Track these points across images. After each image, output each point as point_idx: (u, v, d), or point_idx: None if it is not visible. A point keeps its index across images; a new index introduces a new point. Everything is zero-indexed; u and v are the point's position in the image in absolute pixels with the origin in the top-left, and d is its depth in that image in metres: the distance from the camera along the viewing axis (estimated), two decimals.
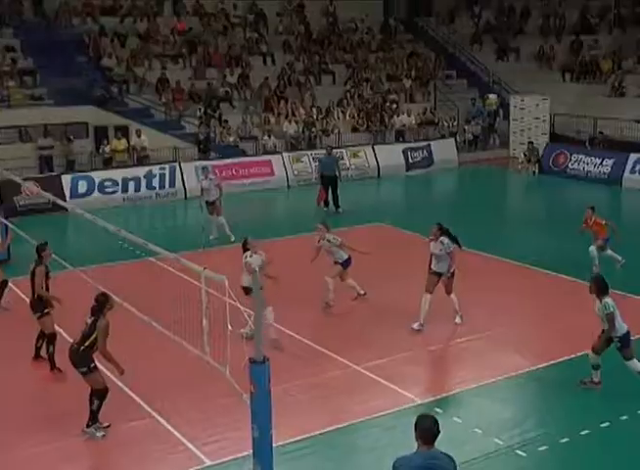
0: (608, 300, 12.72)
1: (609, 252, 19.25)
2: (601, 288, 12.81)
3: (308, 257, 16.80)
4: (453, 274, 15.67)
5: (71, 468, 11.33)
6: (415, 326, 15.55)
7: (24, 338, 14.74)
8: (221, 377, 10.15)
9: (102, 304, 11.91)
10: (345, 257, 16.81)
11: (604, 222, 19.22)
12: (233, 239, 20.98)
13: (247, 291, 13.89)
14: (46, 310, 14.04)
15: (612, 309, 12.63)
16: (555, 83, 39.22)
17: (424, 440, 7.22)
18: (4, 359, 14.73)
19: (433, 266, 15.70)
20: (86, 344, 11.78)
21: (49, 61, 33.02)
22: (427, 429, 7.20)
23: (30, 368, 14.43)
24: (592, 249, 19.05)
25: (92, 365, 11.87)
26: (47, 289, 14.21)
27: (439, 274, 15.55)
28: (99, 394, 11.88)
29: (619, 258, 19.26)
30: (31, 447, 11.70)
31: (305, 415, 12.57)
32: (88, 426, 11.88)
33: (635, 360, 12.85)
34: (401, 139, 35.50)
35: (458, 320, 15.92)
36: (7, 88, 32.08)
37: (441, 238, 15.53)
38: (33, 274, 14.11)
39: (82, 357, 11.83)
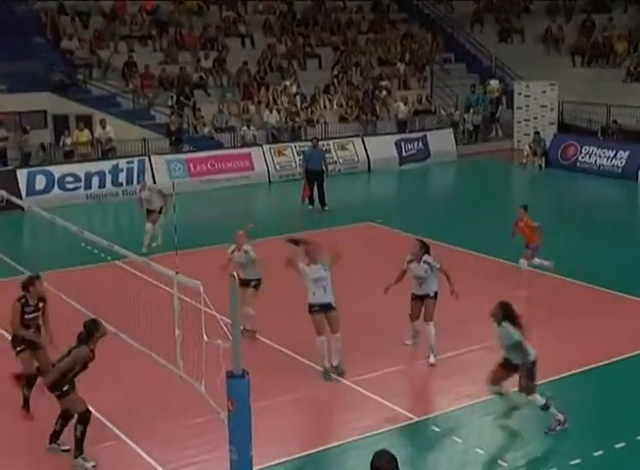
0: (509, 327, 12.03)
1: (536, 260, 18.69)
2: (506, 313, 12.14)
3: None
4: (436, 296, 14.88)
5: None
6: (408, 342, 15.53)
7: None
8: (196, 393, 10.16)
9: (89, 331, 11.56)
10: (258, 276, 15.77)
11: (536, 225, 18.62)
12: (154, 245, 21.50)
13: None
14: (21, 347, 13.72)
15: (517, 337, 11.98)
16: (564, 68, 39.32)
17: None
18: None
19: (415, 291, 14.99)
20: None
21: (1, 42, 32.71)
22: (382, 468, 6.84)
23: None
24: (522, 262, 18.66)
25: (65, 388, 11.60)
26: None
27: (424, 296, 14.84)
28: (81, 418, 11.52)
29: (547, 262, 18.72)
30: None
31: (289, 435, 12.51)
32: (76, 457, 11.57)
33: (537, 395, 12.36)
34: (400, 130, 35.50)
35: (432, 360, 14.85)
36: None
37: (424, 258, 14.72)
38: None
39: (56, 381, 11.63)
